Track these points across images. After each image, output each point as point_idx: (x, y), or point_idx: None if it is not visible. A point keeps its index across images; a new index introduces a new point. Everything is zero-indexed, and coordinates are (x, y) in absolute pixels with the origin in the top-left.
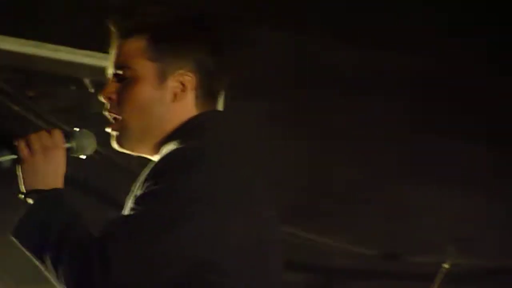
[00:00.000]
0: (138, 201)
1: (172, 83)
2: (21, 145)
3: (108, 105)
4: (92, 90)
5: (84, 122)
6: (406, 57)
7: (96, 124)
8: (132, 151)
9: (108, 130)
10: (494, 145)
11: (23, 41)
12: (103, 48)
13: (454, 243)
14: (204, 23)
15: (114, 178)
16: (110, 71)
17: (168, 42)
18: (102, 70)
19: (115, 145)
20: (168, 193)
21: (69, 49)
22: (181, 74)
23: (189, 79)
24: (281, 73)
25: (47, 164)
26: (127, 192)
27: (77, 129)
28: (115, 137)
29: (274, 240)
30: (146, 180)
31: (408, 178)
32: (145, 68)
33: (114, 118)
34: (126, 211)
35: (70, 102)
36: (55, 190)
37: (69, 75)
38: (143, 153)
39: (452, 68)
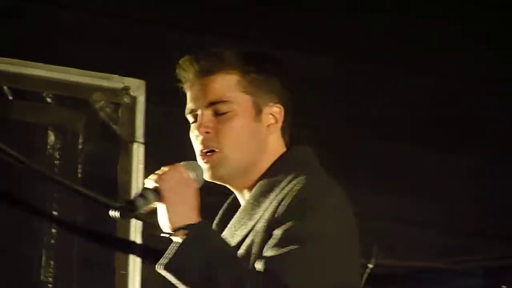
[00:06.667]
0: (286, 237)
1: (266, 116)
2: (162, 186)
3: (200, 138)
4: (11, 98)
5: (3, 129)
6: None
7: (18, 131)
8: (226, 183)
9: (203, 161)
10: None
11: None
12: (20, 55)
13: (378, 243)
14: (277, 58)
15: None
16: (201, 107)
17: (259, 76)
18: (20, 78)
19: (209, 176)
20: (316, 233)
21: None
22: (271, 107)
23: (279, 110)
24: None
25: (190, 199)
26: None
27: (192, 162)
28: (210, 168)
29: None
30: (286, 214)
31: None
32: (243, 101)
33: (211, 151)
34: (261, 239)
35: None
36: (202, 222)
37: None
38: (233, 185)
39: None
